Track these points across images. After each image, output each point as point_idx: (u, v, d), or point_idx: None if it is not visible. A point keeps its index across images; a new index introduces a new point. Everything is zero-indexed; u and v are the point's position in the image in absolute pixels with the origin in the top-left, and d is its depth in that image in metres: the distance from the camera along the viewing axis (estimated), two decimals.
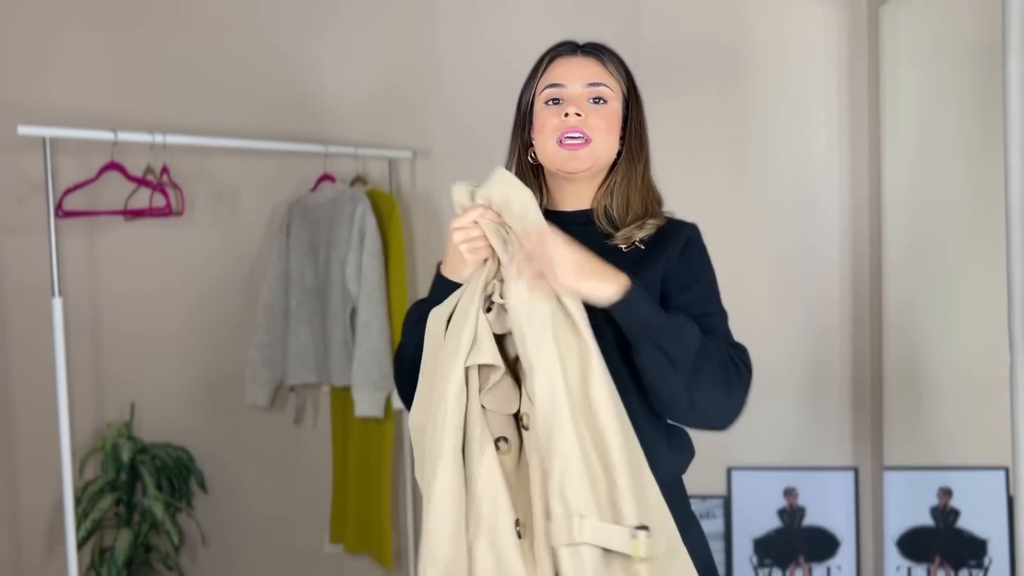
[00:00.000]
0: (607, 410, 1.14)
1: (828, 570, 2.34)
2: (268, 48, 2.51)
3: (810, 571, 2.34)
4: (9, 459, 2.52)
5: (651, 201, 1.36)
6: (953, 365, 2.16)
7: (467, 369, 1.16)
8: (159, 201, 2.35)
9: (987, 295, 1.97)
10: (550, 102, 1.32)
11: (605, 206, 1.33)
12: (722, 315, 1.31)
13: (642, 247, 1.30)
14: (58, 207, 2.23)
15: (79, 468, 2.43)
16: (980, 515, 2.18)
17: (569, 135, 1.28)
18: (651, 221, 1.33)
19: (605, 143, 1.30)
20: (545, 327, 1.15)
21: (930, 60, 2.16)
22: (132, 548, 2.36)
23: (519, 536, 1.14)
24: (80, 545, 2.25)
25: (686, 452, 1.35)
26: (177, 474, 2.48)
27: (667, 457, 1.29)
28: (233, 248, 2.55)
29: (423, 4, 2.47)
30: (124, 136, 2.07)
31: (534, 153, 1.33)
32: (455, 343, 1.16)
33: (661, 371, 1.18)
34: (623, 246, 1.30)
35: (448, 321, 1.21)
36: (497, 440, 1.19)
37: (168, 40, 2.52)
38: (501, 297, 1.18)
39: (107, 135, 2.05)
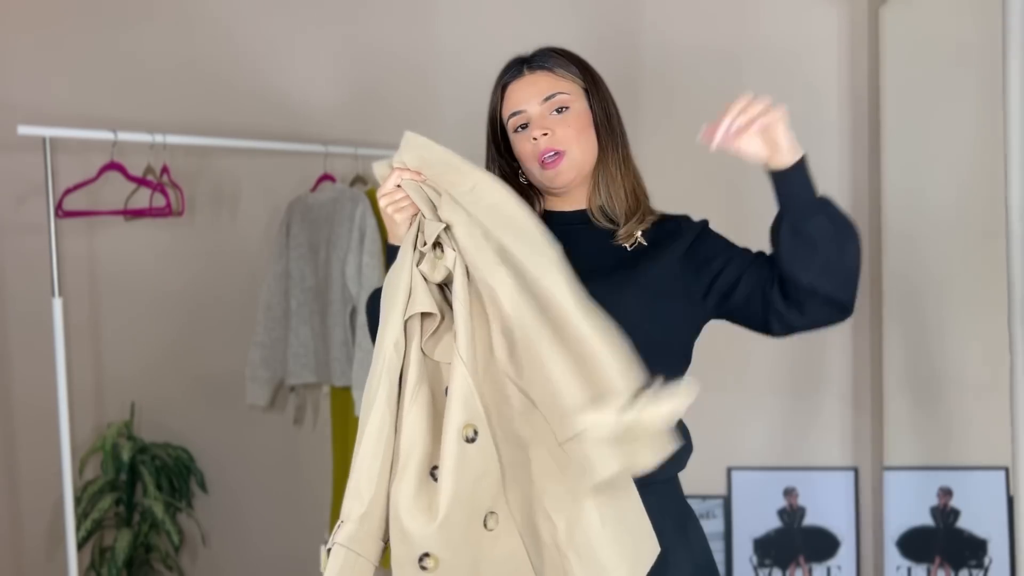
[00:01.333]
0: (566, 301, 1.15)
1: (828, 570, 2.34)
2: (268, 48, 2.51)
3: (810, 571, 2.34)
4: (9, 459, 2.52)
5: (639, 189, 1.37)
6: (953, 365, 2.16)
7: (408, 321, 1.20)
8: (159, 201, 2.35)
9: (987, 295, 1.97)
10: (519, 129, 1.34)
11: (599, 204, 1.34)
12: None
13: (645, 243, 1.31)
14: (58, 207, 2.23)
15: (79, 468, 2.43)
16: (980, 515, 2.18)
17: (544, 156, 1.30)
18: (649, 216, 1.34)
19: (581, 147, 1.32)
20: (493, 255, 1.19)
21: (930, 60, 2.16)
22: (132, 548, 2.36)
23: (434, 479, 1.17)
24: (80, 545, 2.25)
25: (683, 447, 1.31)
26: (177, 474, 2.48)
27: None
28: (233, 248, 2.55)
29: (423, 3, 2.47)
30: (124, 136, 2.07)
31: (524, 175, 1.36)
32: (392, 295, 1.20)
33: (831, 240, 1.26)
34: (627, 244, 1.30)
35: None
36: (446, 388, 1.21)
37: (168, 40, 2.52)
38: (428, 245, 1.22)
39: (107, 135, 2.05)
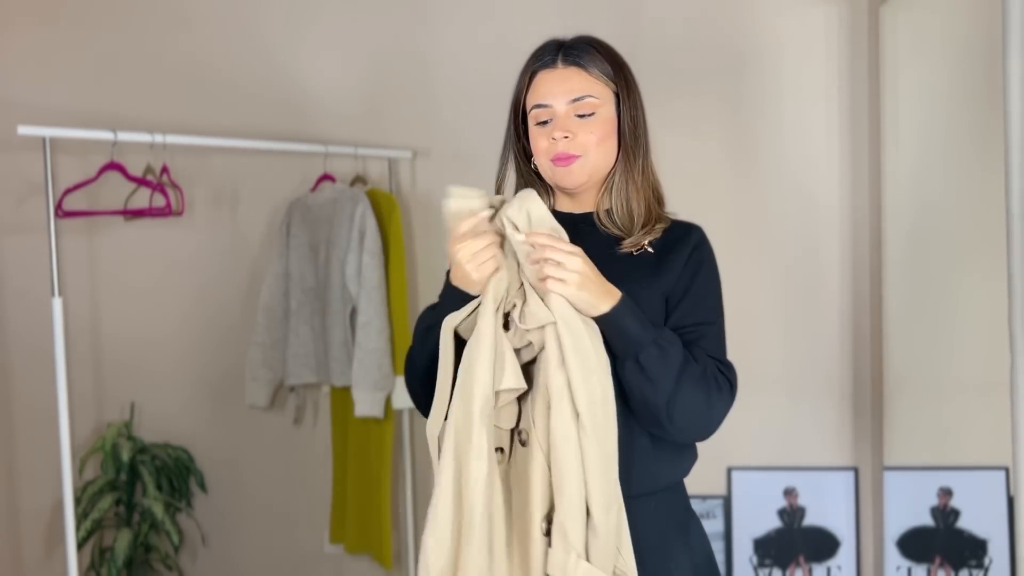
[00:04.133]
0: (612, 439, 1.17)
1: (828, 570, 2.34)
2: (268, 48, 2.51)
3: (810, 571, 2.34)
4: (9, 459, 2.52)
5: (652, 201, 1.33)
6: (953, 365, 2.16)
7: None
8: (159, 201, 2.35)
9: (987, 295, 1.97)
10: (541, 123, 1.30)
11: (607, 209, 1.31)
12: (717, 325, 1.29)
13: (651, 251, 1.28)
14: (58, 207, 2.23)
15: (79, 468, 2.43)
16: (980, 515, 2.18)
17: (558, 157, 1.27)
18: (659, 225, 1.31)
19: (598, 155, 1.28)
20: (580, 346, 1.16)
21: (930, 60, 2.16)
22: (132, 548, 2.36)
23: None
24: (80, 545, 2.25)
25: (687, 456, 1.33)
26: (177, 474, 2.48)
27: (667, 462, 1.28)
28: (233, 248, 2.55)
29: (423, 3, 2.47)
30: (124, 136, 2.07)
31: (535, 165, 1.32)
32: (475, 360, 1.16)
33: (641, 387, 1.19)
34: (633, 251, 1.28)
35: (456, 331, 1.23)
36: (498, 449, 1.20)
37: (168, 40, 2.52)
38: (520, 318, 1.18)
39: (107, 135, 2.05)
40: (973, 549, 2.18)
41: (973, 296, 2.12)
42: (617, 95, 1.31)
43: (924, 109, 2.17)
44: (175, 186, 2.38)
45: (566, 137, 1.26)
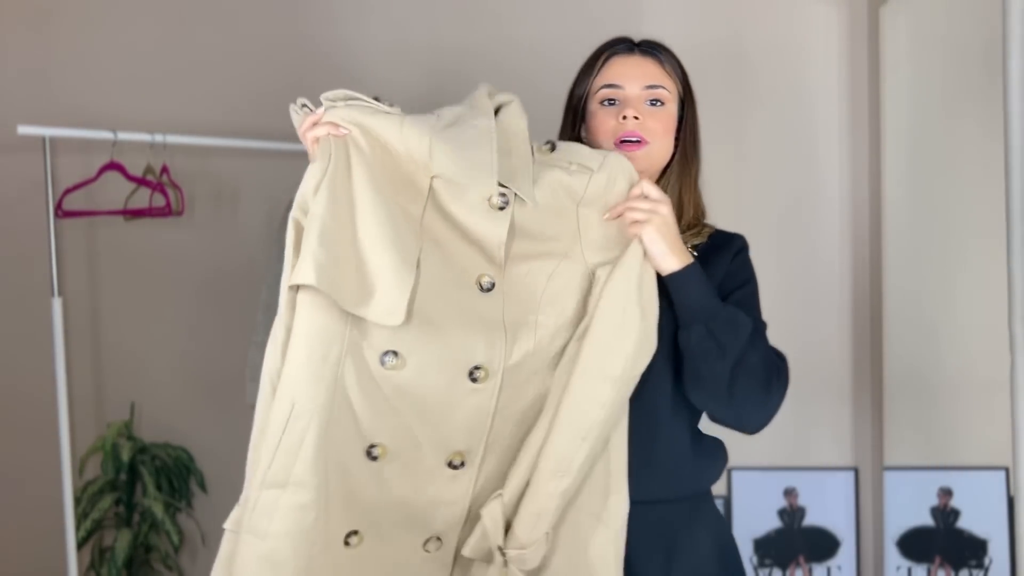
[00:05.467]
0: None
1: (828, 570, 2.34)
2: (268, 47, 2.51)
3: (810, 571, 2.34)
4: (9, 459, 2.52)
5: (700, 206, 1.35)
6: (953, 365, 2.16)
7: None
8: (159, 201, 2.35)
9: (987, 295, 1.97)
10: (606, 102, 1.30)
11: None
12: (763, 324, 1.30)
13: (695, 254, 1.28)
14: (58, 207, 2.23)
15: (79, 468, 2.43)
16: (980, 515, 2.18)
17: (626, 138, 1.27)
18: (707, 228, 1.33)
19: (661, 146, 1.29)
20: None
21: (930, 60, 2.16)
22: (132, 548, 2.35)
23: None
24: (80, 545, 2.24)
25: (717, 459, 1.32)
26: (177, 474, 2.48)
27: (704, 467, 1.28)
28: (233, 248, 2.55)
29: (424, 2, 2.47)
30: (124, 136, 2.07)
31: None
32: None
33: (708, 354, 1.17)
34: None
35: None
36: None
37: (168, 40, 2.52)
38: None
39: (107, 135, 2.05)
40: (973, 549, 2.18)
41: (973, 296, 2.12)
42: (682, 99, 1.34)
43: (924, 109, 2.17)
44: (175, 186, 2.37)
45: (636, 118, 1.27)
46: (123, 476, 2.41)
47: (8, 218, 2.49)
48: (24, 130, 1.94)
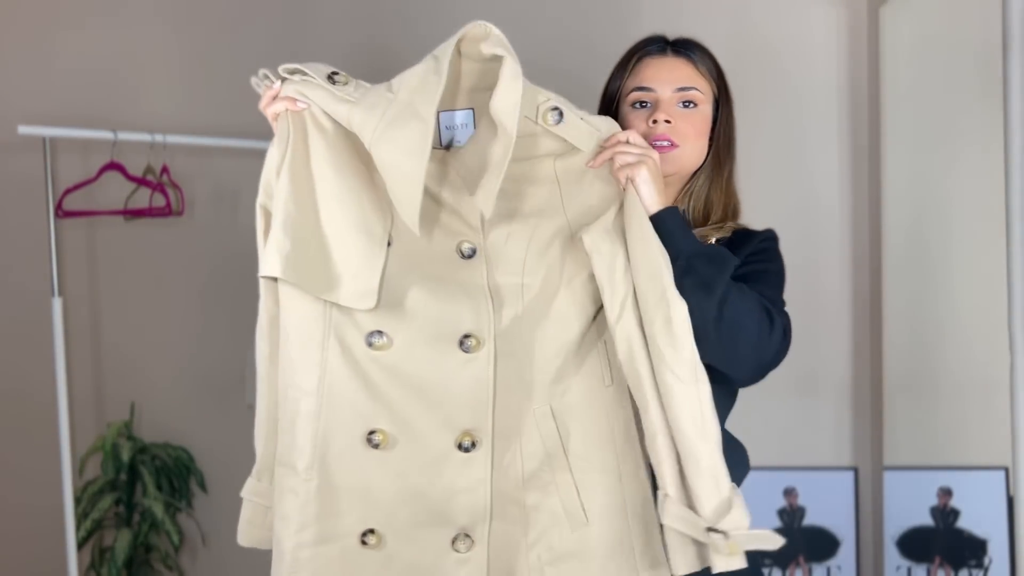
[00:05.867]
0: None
1: (828, 570, 2.34)
2: (268, 47, 2.51)
3: (810, 571, 2.34)
4: (9, 459, 2.52)
5: (731, 208, 1.34)
6: (953, 365, 2.16)
7: None
8: (159, 201, 2.35)
9: (987, 295, 1.97)
10: (637, 105, 1.29)
11: (683, 210, 1.29)
12: (779, 303, 1.25)
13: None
14: (58, 207, 2.23)
15: (79, 468, 2.43)
16: (980, 515, 2.18)
17: (656, 142, 1.25)
18: (730, 223, 1.31)
19: (693, 149, 1.28)
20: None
21: (930, 60, 2.16)
22: (132, 548, 2.35)
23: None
24: (80, 545, 2.25)
25: (739, 467, 1.29)
26: (177, 474, 2.48)
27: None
28: (233, 248, 2.55)
29: (424, 1, 2.47)
30: (124, 136, 2.07)
31: None
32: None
33: (693, 289, 1.14)
34: None
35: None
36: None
37: (168, 40, 2.52)
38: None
39: (107, 135, 2.05)
40: (973, 549, 2.18)
41: (973, 296, 2.12)
42: (717, 100, 1.32)
43: (924, 109, 2.17)
44: (175, 186, 2.37)
45: (668, 121, 1.25)
46: (123, 476, 2.41)
47: (8, 218, 2.49)
48: (24, 130, 1.94)
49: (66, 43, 2.50)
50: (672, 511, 1.16)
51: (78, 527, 2.25)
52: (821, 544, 2.35)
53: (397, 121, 1.14)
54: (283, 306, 1.17)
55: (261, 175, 1.19)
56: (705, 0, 2.36)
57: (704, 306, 1.13)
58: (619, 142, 1.19)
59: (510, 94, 1.13)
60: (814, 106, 2.32)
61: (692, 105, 1.28)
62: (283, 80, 1.22)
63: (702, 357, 1.17)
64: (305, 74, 1.20)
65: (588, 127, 1.21)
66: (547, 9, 2.41)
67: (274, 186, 1.17)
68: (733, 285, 1.16)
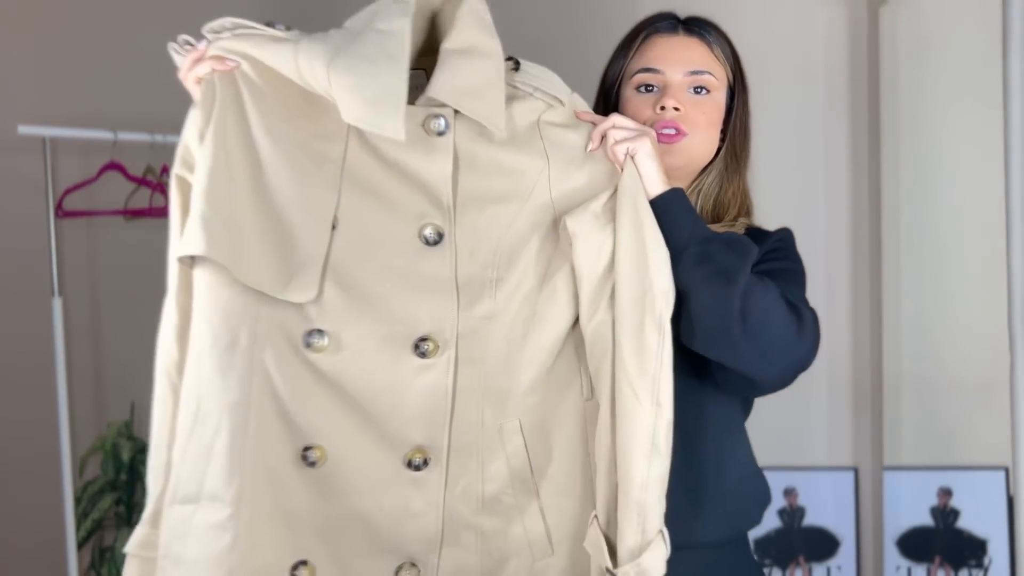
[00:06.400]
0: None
1: (828, 570, 2.34)
2: None
3: (810, 571, 2.34)
4: (9, 459, 2.52)
5: (744, 207, 1.21)
6: (953, 365, 2.16)
7: None
8: (159, 201, 2.34)
9: (987, 295, 1.97)
10: (642, 88, 1.14)
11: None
12: (804, 301, 1.08)
13: None
14: (58, 207, 2.23)
15: (79, 468, 2.42)
16: (980, 515, 2.18)
17: (663, 129, 1.10)
18: (742, 220, 1.18)
19: (704, 140, 1.14)
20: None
21: (930, 60, 2.16)
22: None
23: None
24: (80, 545, 2.24)
25: (756, 504, 1.15)
26: None
27: (734, 498, 1.11)
28: None
29: None
30: (124, 136, 2.07)
31: None
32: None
33: (709, 280, 0.97)
34: None
35: None
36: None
37: (168, 40, 2.51)
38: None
39: (107, 135, 2.05)
40: (973, 549, 2.18)
41: (973, 296, 2.12)
42: (732, 87, 1.18)
43: (924, 109, 2.17)
44: None
45: (676, 108, 1.11)
46: (123, 476, 2.41)
47: (8, 218, 2.49)
48: (24, 130, 1.94)
49: (66, 43, 2.50)
50: (591, 535, 1.02)
51: (78, 527, 2.25)
52: (821, 544, 2.35)
53: (361, 38, 0.98)
54: (200, 298, 0.98)
55: (179, 143, 1.04)
56: (705, 1, 2.35)
57: (724, 298, 0.96)
58: (609, 124, 1.05)
59: (476, 15, 1.00)
60: (813, 106, 2.32)
61: (704, 91, 1.13)
62: (209, 41, 1.06)
63: (720, 358, 1.02)
64: (242, 26, 1.04)
65: (558, 77, 1.07)
66: (544, 5, 2.41)
67: (195, 154, 1.02)
68: (755, 276, 1.00)
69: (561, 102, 1.06)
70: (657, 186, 1.02)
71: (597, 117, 1.07)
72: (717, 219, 1.18)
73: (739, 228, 1.17)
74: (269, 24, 1.04)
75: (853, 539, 2.34)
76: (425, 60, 1.07)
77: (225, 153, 0.99)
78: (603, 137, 1.04)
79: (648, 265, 0.98)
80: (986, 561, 2.18)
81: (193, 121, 1.06)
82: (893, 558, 2.22)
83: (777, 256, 1.13)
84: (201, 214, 0.95)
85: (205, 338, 0.96)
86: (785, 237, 1.19)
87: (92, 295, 2.53)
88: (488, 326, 1.01)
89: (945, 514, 2.20)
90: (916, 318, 2.20)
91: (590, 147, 1.05)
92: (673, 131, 1.11)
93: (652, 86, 1.14)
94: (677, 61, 1.13)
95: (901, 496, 2.22)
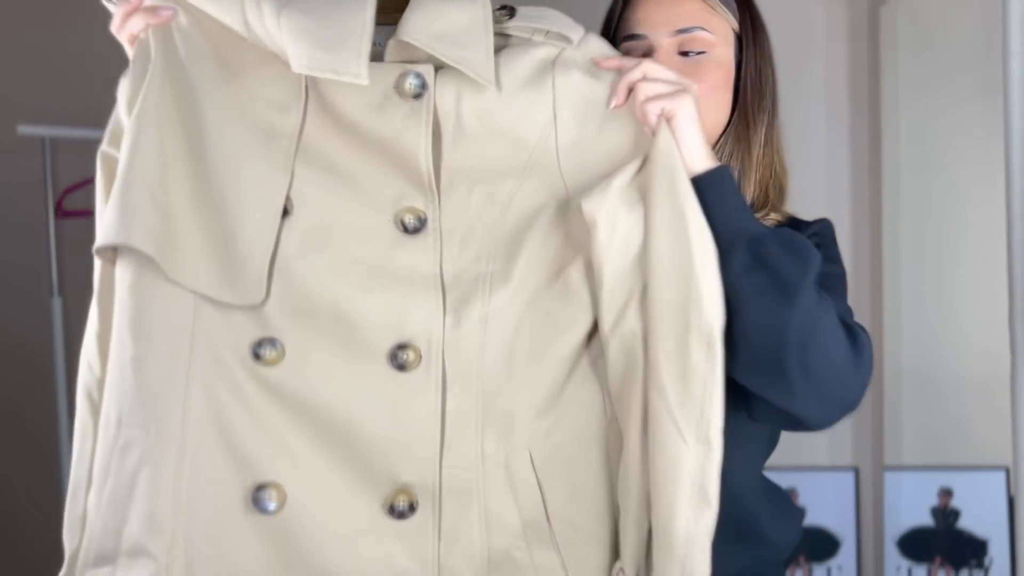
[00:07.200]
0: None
1: (828, 570, 2.34)
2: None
3: (810, 571, 2.34)
4: (8, 460, 2.52)
5: (771, 185, 1.05)
6: (953, 365, 2.16)
7: None
8: None
9: (987, 295, 1.97)
10: None
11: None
12: (845, 308, 0.97)
13: None
14: (58, 207, 2.23)
15: None
16: (981, 515, 2.18)
17: None
18: (773, 215, 1.04)
19: (704, 110, 0.91)
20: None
21: (930, 60, 2.16)
22: None
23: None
24: None
25: (791, 525, 1.03)
26: None
27: (770, 531, 0.99)
28: None
29: None
30: None
31: None
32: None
33: (762, 291, 0.79)
34: None
35: None
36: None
37: None
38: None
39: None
40: (973, 549, 2.18)
41: (973, 296, 2.12)
42: (740, 37, 1.00)
43: (924, 109, 2.17)
44: None
45: None
46: None
47: (8, 218, 2.49)
48: (24, 130, 1.94)
49: (66, 43, 2.50)
50: None
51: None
52: (821, 544, 2.35)
53: None
54: (122, 300, 0.83)
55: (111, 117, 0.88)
56: None
57: (779, 320, 0.78)
58: (641, 76, 0.84)
59: None
60: (813, 105, 2.32)
61: (699, 53, 0.96)
62: None
63: (763, 391, 0.84)
64: None
65: (566, 17, 0.88)
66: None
67: (125, 126, 0.85)
68: (815, 291, 0.83)
69: (571, 41, 0.86)
70: (700, 160, 0.83)
71: (624, 61, 0.86)
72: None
73: (769, 222, 1.00)
74: None
75: (853, 539, 2.34)
76: (397, 16, 0.84)
77: (157, 126, 0.82)
78: (630, 91, 0.84)
79: (693, 266, 0.78)
80: (987, 561, 2.17)
81: (123, 89, 0.90)
82: (893, 558, 2.22)
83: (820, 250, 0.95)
84: (124, 197, 0.79)
85: (127, 350, 0.81)
86: (825, 231, 1.05)
87: (91, 295, 2.53)
88: (484, 332, 0.80)
89: (946, 514, 2.20)
90: (916, 318, 2.20)
91: (613, 103, 0.84)
92: None
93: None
94: (661, 22, 0.95)
95: (902, 496, 2.22)
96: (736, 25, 0.99)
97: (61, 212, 2.25)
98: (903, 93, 2.19)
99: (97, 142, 2.21)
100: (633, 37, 0.97)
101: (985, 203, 2.02)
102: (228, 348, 0.79)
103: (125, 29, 0.89)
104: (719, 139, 1.01)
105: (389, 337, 0.79)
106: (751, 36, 1.01)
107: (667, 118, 0.82)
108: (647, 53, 0.96)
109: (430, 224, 0.81)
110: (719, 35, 0.97)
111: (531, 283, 0.83)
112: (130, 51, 0.90)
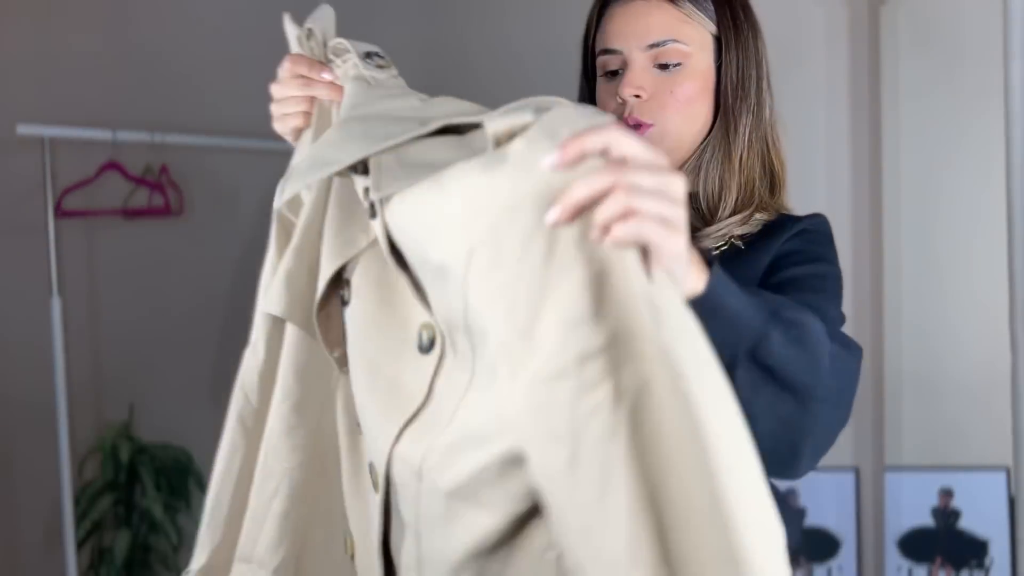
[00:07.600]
0: None
1: (829, 571, 2.34)
2: (268, 47, 2.51)
3: (810, 571, 2.34)
4: (8, 460, 2.52)
5: (758, 185, 1.01)
6: (953, 365, 2.16)
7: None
8: (158, 201, 2.35)
9: (987, 295, 1.97)
10: (608, 75, 0.97)
11: (691, 193, 0.95)
12: (837, 315, 0.92)
13: (741, 246, 0.96)
14: (57, 207, 2.24)
15: (78, 469, 2.42)
16: (981, 516, 2.18)
17: (627, 121, 0.93)
18: (758, 215, 0.99)
19: (683, 120, 0.94)
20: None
21: (931, 60, 2.16)
22: (131, 549, 2.35)
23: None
24: (79, 546, 2.24)
25: (788, 528, 0.89)
26: (176, 475, 2.48)
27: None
28: (233, 248, 2.55)
29: (437, 3, 2.47)
30: (124, 136, 2.07)
31: None
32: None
33: (773, 408, 0.74)
34: (715, 246, 0.96)
35: None
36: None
37: (168, 39, 2.52)
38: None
39: (107, 135, 2.05)
40: (974, 550, 2.18)
41: (973, 296, 2.12)
42: (719, 40, 0.97)
43: (924, 108, 2.17)
44: (174, 186, 2.37)
45: (637, 96, 0.93)
46: (122, 477, 2.41)
47: (8, 218, 2.49)
48: (24, 130, 1.94)
49: (66, 43, 2.50)
50: None
51: (77, 528, 2.25)
52: (822, 544, 2.34)
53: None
54: (285, 351, 0.89)
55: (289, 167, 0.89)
56: None
57: (793, 429, 0.76)
58: (599, 182, 0.57)
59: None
60: (813, 105, 2.32)
61: (674, 66, 0.93)
62: (331, 56, 0.87)
63: (772, 475, 0.78)
64: (344, 51, 0.83)
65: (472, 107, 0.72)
66: (542, 4, 2.41)
67: (304, 194, 0.85)
68: (818, 343, 0.77)
69: (478, 126, 0.63)
70: (696, 280, 0.67)
71: (573, 146, 0.57)
72: (720, 200, 0.97)
73: (753, 225, 0.97)
74: (369, 55, 0.81)
75: (854, 540, 2.34)
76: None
77: (317, 204, 0.83)
78: (576, 201, 0.57)
79: (726, 516, 0.53)
80: (987, 562, 2.17)
81: (306, 140, 0.86)
82: (894, 559, 2.22)
83: (808, 256, 0.94)
84: (288, 272, 0.85)
85: (279, 391, 0.89)
86: (819, 227, 1.00)
87: (91, 295, 2.53)
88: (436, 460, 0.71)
89: (946, 515, 2.19)
90: (916, 318, 2.19)
91: (551, 216, 0.56)
92: (635, 126, 0.93)
93: (616, 71, 0.96)
94: (633, 35, 0.93)
95: (902, 497, 2.22)
96: (714, 28, 0.97)
97: (61, 212, 2.26)
98: (903, 93, 2.19)
99: (97, 142, 2.21)
100: (608, 51, 0.96)
101: (985, 203, 2.02)
102: (345, 412, 0.87)
103: (307, 88, 0.90)
104: (702, 144, 0.99)
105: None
106: (731, 37, 0.97)
107: (656, 261, 0.57)
108: (622, 67, 0.95)
109: (436, 344, 0.71)
110: (694, 43, 0.95)
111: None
112: (295, 103, 0.90)
